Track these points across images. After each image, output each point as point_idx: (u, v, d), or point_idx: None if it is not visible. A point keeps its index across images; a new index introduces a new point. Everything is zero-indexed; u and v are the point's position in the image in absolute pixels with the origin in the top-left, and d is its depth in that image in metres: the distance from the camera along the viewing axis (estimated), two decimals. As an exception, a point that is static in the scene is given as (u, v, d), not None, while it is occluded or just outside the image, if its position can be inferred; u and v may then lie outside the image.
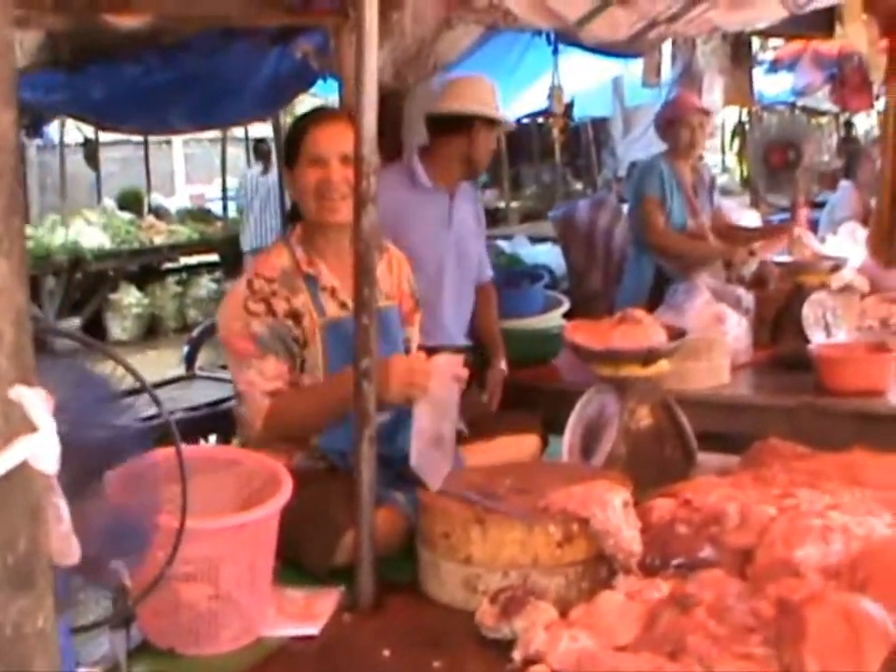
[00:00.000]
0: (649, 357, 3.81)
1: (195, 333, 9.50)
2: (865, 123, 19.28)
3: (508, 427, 4.29)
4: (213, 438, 6.92)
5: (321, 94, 8.49)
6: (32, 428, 1.52)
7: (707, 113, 7.11)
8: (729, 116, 16.10)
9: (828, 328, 5.43)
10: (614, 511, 2.99)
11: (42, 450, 1.56)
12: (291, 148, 3.93)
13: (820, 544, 2.87)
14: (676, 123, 6.97)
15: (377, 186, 2.99)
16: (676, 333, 4.02)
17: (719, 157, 23.25)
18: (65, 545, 1.79)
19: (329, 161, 3.80)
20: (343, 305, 3.84)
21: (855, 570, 2.73)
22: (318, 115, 4.04)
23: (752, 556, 2.95)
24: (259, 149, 15.94)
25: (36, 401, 1.53)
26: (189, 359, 8.95)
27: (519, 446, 4.18)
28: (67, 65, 5.85)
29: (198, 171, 22.93)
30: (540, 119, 14.26)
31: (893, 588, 2.64)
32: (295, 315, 3.81)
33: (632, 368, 3.79)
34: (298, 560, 3.43)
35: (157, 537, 2.53)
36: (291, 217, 4.11)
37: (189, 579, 2.88)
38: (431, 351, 3.71)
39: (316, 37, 5.43)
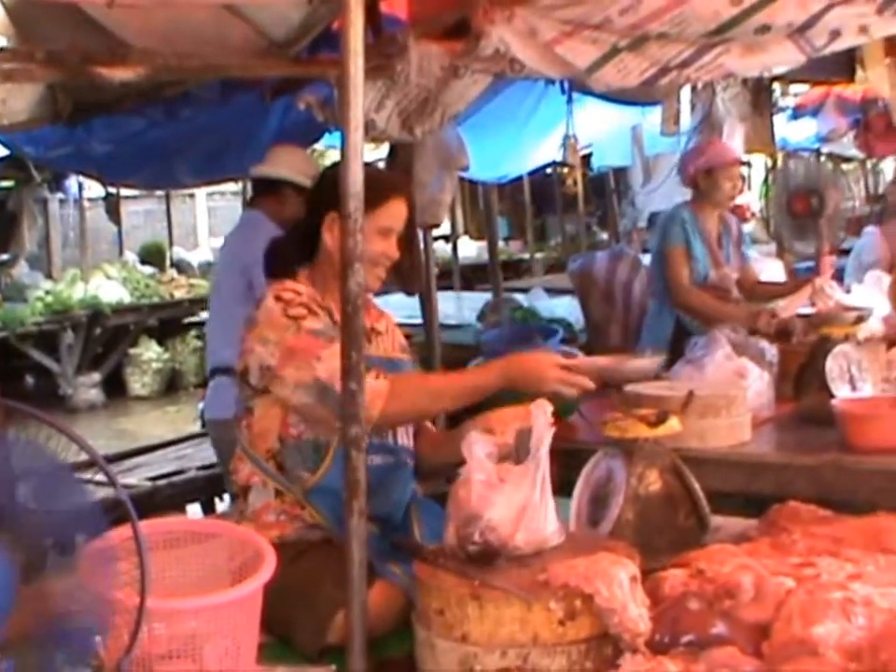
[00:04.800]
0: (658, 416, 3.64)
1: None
2: (893, 169, 19.12)
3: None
4: (227, 497, 6.81)
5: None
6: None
7: (743, 164, 7.00)
8: (754, 164, 15.99)
9: (853, 381, 5.24)
10: (620, 587, 2.81)
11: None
12: None
13: (841, 620, 2.69)
14: (715, 173, 6.83)
15: (363, 244, 2.86)
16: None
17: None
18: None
19: (394, 234, 3.77)
20: None
21: (877, 651, 2.55)
22: (396, 184, 3.94)
23: (768, 633, 2.77)
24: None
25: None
26: (205, 416, 8.83)
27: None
28: (68, 120, 5.76)
29: (221, 224, 22.85)
30: (565, 170, 14.20)
31: (917, 672, 2.46)
32: None
33: (639, 429, 3.62)
34: (288, 638, 3.30)
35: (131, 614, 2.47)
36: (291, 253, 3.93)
37: (171, 657, 2.75)
38: None
39: (322, 89, 5.31)
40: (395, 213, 3.73)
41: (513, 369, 3.62)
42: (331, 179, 3.48)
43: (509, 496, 3.07)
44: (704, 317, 6.45)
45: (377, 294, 4.13)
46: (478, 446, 3.14)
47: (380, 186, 3.59)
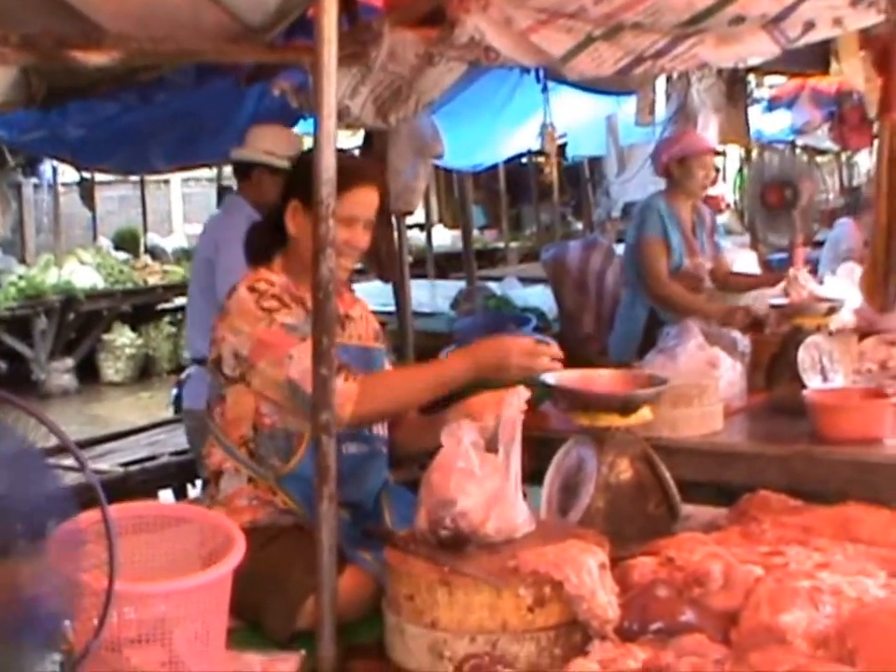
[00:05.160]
0: (627, 405, 3.64)
1: (184, 375, 9.38)
2: (868, 162, 19.18)
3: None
4: (199, 482, 6.79)
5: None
6: None
7: (717, 154, 7.04)
8: (729, 155, 16.02)
9: (824, 371, 5.26)
10: (589, 574, 2.81)
11: None
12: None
13: (809, 608, 2.70)
14: (689, 162, 6.85)
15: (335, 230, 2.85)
16: (657, 381, 3.84)
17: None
18: None
19: (359, 223, 3.70)
20: None
21: (844, 639, 2.56)
22: (364, 172, 3.81)
23: (737, 620, 2.78)
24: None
25: None
26: (178, 402, 8.82)
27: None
28: (42, 103, 5.73)
29: (196, 210, 22.84)
30: (541, 159, 14.22)
31: (882, 660, 2.47)
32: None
33: (610, 417, 3.63)
34: (259, 623, 3.30)
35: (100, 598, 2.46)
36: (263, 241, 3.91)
37: (140, 642, 2.74)
38: None
39: (298, 75, 5.31)
40: (360, 201, 3.67)
41: (480, 356, 3.59)
42: (302, 165, 3.46)
43: (480, 483, 3.07)
44: (678, 310, 6.46)
45: (351, 281, 4.11)
46: (460, 433, 3.13)
47: (345, 173, 3.51)
